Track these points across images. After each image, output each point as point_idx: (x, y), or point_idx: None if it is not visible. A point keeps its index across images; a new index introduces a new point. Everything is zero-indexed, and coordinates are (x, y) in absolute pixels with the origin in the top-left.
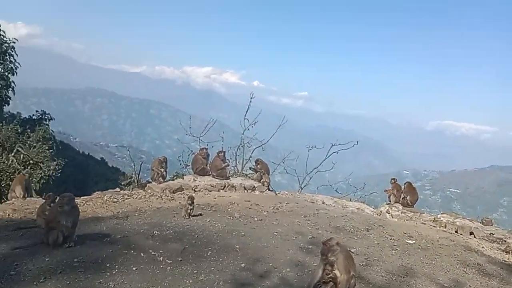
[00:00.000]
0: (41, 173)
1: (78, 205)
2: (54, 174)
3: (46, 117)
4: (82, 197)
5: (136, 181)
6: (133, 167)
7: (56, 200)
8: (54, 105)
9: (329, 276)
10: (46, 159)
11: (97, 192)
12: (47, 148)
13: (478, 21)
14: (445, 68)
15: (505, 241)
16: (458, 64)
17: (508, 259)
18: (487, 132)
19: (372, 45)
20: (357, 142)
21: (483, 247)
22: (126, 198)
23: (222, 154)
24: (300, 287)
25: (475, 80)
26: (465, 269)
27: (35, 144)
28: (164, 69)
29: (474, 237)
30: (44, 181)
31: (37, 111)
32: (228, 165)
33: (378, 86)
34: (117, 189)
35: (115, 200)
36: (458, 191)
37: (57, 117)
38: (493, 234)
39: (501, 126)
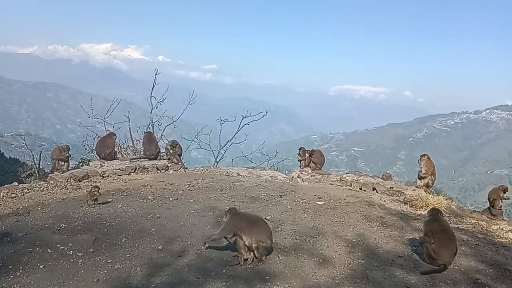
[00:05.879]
0: None
1: None
2: None
3: None
4: None
5: (37, 172)
6: (33, 156)
7: None
8: None
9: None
10: None
11: None
12: None
13: None
14: (344, 35)
15: (403, 193)
16: (355, 30)
17: (406, 209)
18: (383, 93)
19: (277, 12)
20: (267, 112)
21: (384, 201)
22: (26, 192)
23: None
24: (219, 260)
25: (371, 43)
26: (369, 223)
27: None
28: (58, 48)
29: (377, 192)
30: None
31: None
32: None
33: (285, 56)
34: (15, 183)
35: (13, 195)
36: (361, 149)
37: None
38: (392, 188)
39: (396, 87)
